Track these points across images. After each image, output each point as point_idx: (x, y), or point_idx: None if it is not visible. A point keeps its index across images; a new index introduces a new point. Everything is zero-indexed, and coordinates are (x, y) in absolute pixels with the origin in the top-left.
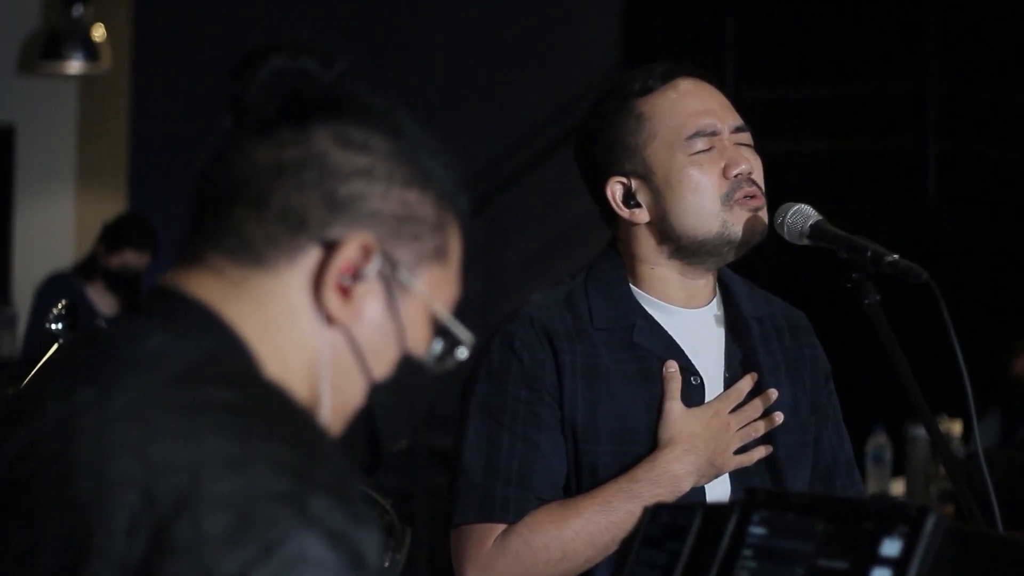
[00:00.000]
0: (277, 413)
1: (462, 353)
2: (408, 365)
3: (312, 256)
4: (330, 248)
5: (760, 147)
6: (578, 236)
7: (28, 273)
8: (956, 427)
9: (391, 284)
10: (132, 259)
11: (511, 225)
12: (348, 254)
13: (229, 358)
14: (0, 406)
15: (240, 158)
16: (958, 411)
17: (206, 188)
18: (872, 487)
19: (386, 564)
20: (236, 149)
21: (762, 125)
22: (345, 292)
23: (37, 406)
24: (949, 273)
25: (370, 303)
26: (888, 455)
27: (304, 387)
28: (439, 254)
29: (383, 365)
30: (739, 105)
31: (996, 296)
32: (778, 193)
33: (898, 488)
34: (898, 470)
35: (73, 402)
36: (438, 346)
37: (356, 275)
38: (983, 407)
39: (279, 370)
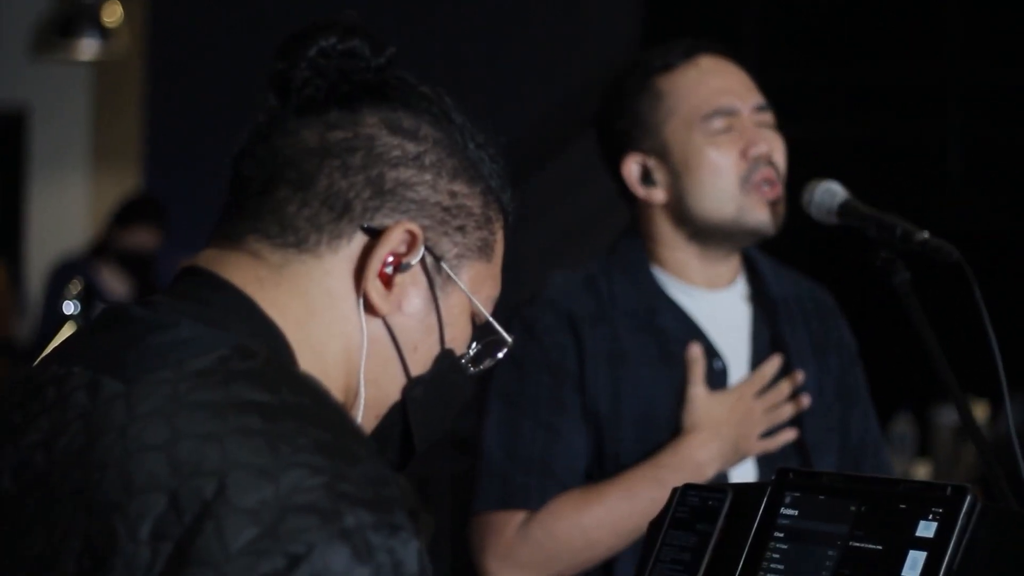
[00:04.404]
0: (309, 414)
1: (501, 353)
2: (446, 361)
3: (356, 242)
4: (375, 235)
5: (780, 130)
6: (599, 222)
7: (42, 257)
8: (981, 410)
9: (434, 277)
10: (142, 235)
11: (531, 212)
12: (393, 243)
13: (261, 352)
14: (20, 385)
15: (284, 138)
16: (983, 393)
17: (246, 166)
18: (895, 471)
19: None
20: (280, 129)
21: (781, 107)
22: (387, 281)
23: (60, 393)
24: (971, 258)
25: (412, 294)
26: (912, 438)
27: (340, 377)
28: (483, 249)
29: (421, 359)
30: (759, 87)
31: (1016, 282)
32: (797, 177)
33: (921, 471)
34: (921, 453)
35: (99, 395)
36: (476, 345)
37: (400, 265)
38: (1008, 392)
39: (314, 359)
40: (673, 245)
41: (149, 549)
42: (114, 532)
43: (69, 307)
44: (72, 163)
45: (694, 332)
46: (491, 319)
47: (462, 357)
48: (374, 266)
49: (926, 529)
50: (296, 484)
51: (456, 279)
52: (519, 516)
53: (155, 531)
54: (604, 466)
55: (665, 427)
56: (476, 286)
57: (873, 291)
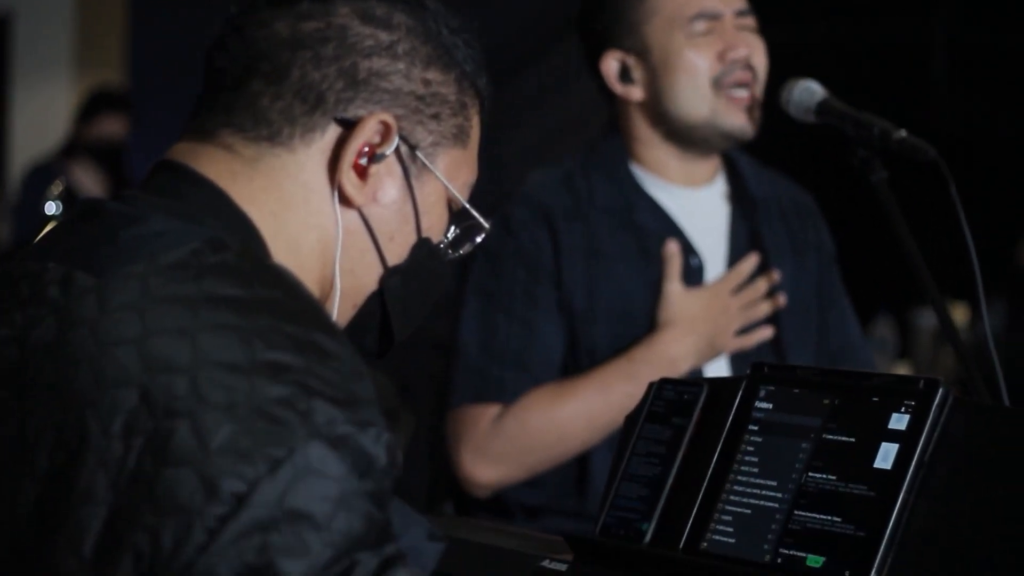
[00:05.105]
0: (282, 309)
1: (479, 237)
2: (423, 250)
3: (329, 134)
4: (349, 127)
5: (761, 33)
6: (580, 126)
7: (25, 159)
8: (960, 312)
9: (408, 166)
10: (109, 125)
11: (513, 116)
12: (367, 133)
13: (234, 245)
14: None
15: (257, 30)
16: (963, 296)
17: (219, 59)
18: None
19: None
20: (252, 20)
21: (763, 10)
22: (362, 172)
23: (34, 288)
24: (953, 161)
25: (387, 184)
26: (892, 341)
27: (315, 269)
28: (459, 136)
29: (398, 249)
30: None
31: (1001, 186)
32: (779, 80)
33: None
34: (901, 356)
35: (71, 289)
36: (454, 230)
37: (374, 155)
38: (987, 296)
39: (289, 252)
40: (651, 143)
41: (122, 444)
42: (86, 427)
43: (51, 207)
44: (56, 65)
45: (671, 229)
46: (467, 205)
47: (440, 244)
48: (348, 158)
49: (898, 422)
50: (268, 378)
51: (431, 167)
52: (494, 409)
53: (127, 426)
54: (579, 361)
55: (641, 323)
56: (452, 173)
57: (853, 193)
